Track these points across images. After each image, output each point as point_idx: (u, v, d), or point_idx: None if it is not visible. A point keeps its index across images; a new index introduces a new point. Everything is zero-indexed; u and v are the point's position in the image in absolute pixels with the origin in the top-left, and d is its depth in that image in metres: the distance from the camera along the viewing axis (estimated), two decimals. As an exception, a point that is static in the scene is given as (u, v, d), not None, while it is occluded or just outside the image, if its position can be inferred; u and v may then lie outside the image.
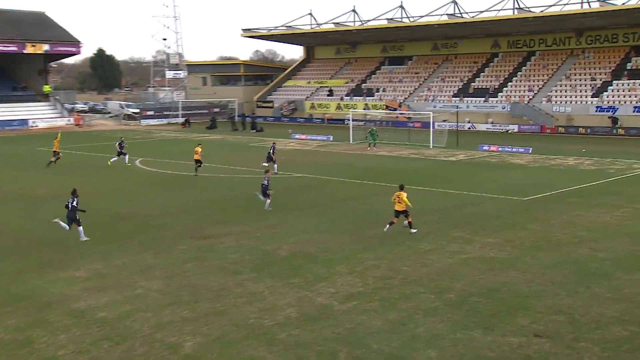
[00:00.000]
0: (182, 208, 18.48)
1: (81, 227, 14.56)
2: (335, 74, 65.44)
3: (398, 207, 15.30)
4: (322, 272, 12.20)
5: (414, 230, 15.40)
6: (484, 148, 34.11)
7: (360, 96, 58.39)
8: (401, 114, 51.61)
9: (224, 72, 71.21)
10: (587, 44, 51.14)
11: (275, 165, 25.36)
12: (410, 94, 55.94)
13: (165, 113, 60.26)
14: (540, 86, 49.65)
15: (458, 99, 51.79)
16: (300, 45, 70.41)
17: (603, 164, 27.76)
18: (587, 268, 12.20)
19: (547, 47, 53.09)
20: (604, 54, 50.29)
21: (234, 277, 11.92)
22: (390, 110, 53.43)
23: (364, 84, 60.53)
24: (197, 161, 24.75)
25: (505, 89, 50.91)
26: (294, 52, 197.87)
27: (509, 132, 45.89)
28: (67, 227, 14.50)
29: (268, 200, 18.24)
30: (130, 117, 62.48)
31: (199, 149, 25.01)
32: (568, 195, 20.26)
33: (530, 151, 32.17)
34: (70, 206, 14.49)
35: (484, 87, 52.18)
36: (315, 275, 11.97)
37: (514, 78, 51.69)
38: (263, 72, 72.25)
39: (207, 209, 18.43)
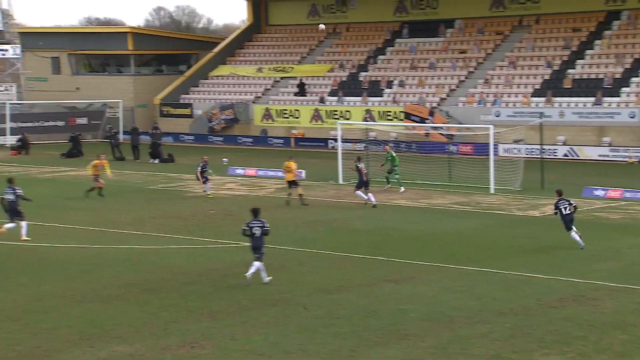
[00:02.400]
0: (24, 310, 18.22)
1: None
2: (309, 53, 66.64)
3: None
4: None
5: None
6: (596, 193, 34.76)
7: (358, 96, 59.39)
8: (435, 128, 52.43)
9: (96, 48, 71.79)
10: None
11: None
12: (452, 91, 57.14)
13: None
14: None
15: (543, 99, 53.03)
16: (244, -1, 71.90)
17: None
18: None
19: None
20: None
21: None
22: (414, 122, 54.28)
23: (363, 73, 61.68)
24: (292, 183, 33.27)
25: (634, 79, 52.27)
26: (231, 14, 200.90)
27: (642, 162, 46.98)
28: None
29: (573, 233, 24.32)
30: None
31: (293, 165, 33.30)
32: None
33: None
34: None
35: (592, 76, 53.67)
36: None
37: (654, 58, 53.10)
38: (172, 50, 73.14)
39: (54, 312, 18.40)
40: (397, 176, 36.54)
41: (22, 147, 54.85)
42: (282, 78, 64.47)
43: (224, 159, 47.42)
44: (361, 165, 33.31)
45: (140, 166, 47.66)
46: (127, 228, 28.39)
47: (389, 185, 36.65)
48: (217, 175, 38.32)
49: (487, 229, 28.35)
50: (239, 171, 43.09)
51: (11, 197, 26.05)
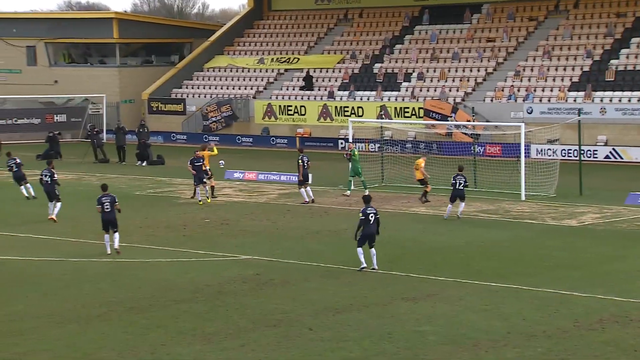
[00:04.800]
0: None
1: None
2: (317, 42, 66.67)
3: None
4: None
5: None
6: (640, 200, 34.88)
7: (372, 90, 59.41)
8: (458, 127, 52.36)
9: (77, 37, 72.01)
10: None
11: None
12: (478, 84, 57.09)
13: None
14: None
15: (581, 94, 52.91)
16: (243, -19, 71.92)
17: None
18: None
19: None
20: None
21: None
22: (435, 119, 54.23)
23: (378, 64, 61.69)
24: (422, 182, 35.21)
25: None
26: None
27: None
28: None
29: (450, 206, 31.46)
30: None
31: (422, 162, 35.32)
32: None
33: None
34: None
35: (638, 68, 53.38)
36: None
37: None
38: (163, 38, 73.33)
39: (29, 335, 18.47)
40: (351, 178, 37.46)
41: (-9, 147, 54.90)
42: (286, 70, 64.50)
43: (221, 162, 47.34)
44: (304, 159, 35.53)
45: (126, 169, 47.75)
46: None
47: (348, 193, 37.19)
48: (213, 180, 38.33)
49: (516, 240, 28.23)
50: (237, 175, 43.10)
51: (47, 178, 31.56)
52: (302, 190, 35.41)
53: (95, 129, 53.62)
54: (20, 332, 18.76)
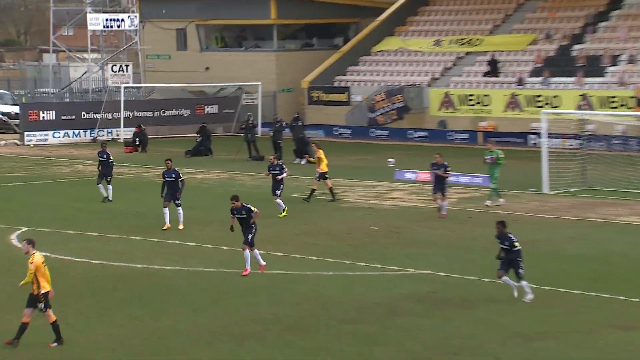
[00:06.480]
0: None
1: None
2: (504, 21, 66.02)
3: None
4: None
5: None
6: None
7: (570, 76, 58.37)
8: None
9: (231, 18, 73.61)
10: None
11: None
12: (700, 69, 55.28)
13: (87, 116, 62.72)
14: None
15: None
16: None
17: None
18: None
19: None
20: None
21: None
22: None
23: (578, 46, 60.61)
24: None
25: None
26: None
27: None
28: None
29: None
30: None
31: None
32: None
33: None
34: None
35: None
36: None
37: None
38: (325, 19, 74.04)
39: (176, 354, 18.92)
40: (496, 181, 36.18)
41: (138, 142, 56.38)
42: (467, 53, 64.21)
43: (390, 160, 47.62)
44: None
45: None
46: (265, 247, 28.48)
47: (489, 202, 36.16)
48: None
49: None
50: (409, 175, 43.15)
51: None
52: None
53: (251, 120, 53.29)
54: (167, 350, 19.24)
